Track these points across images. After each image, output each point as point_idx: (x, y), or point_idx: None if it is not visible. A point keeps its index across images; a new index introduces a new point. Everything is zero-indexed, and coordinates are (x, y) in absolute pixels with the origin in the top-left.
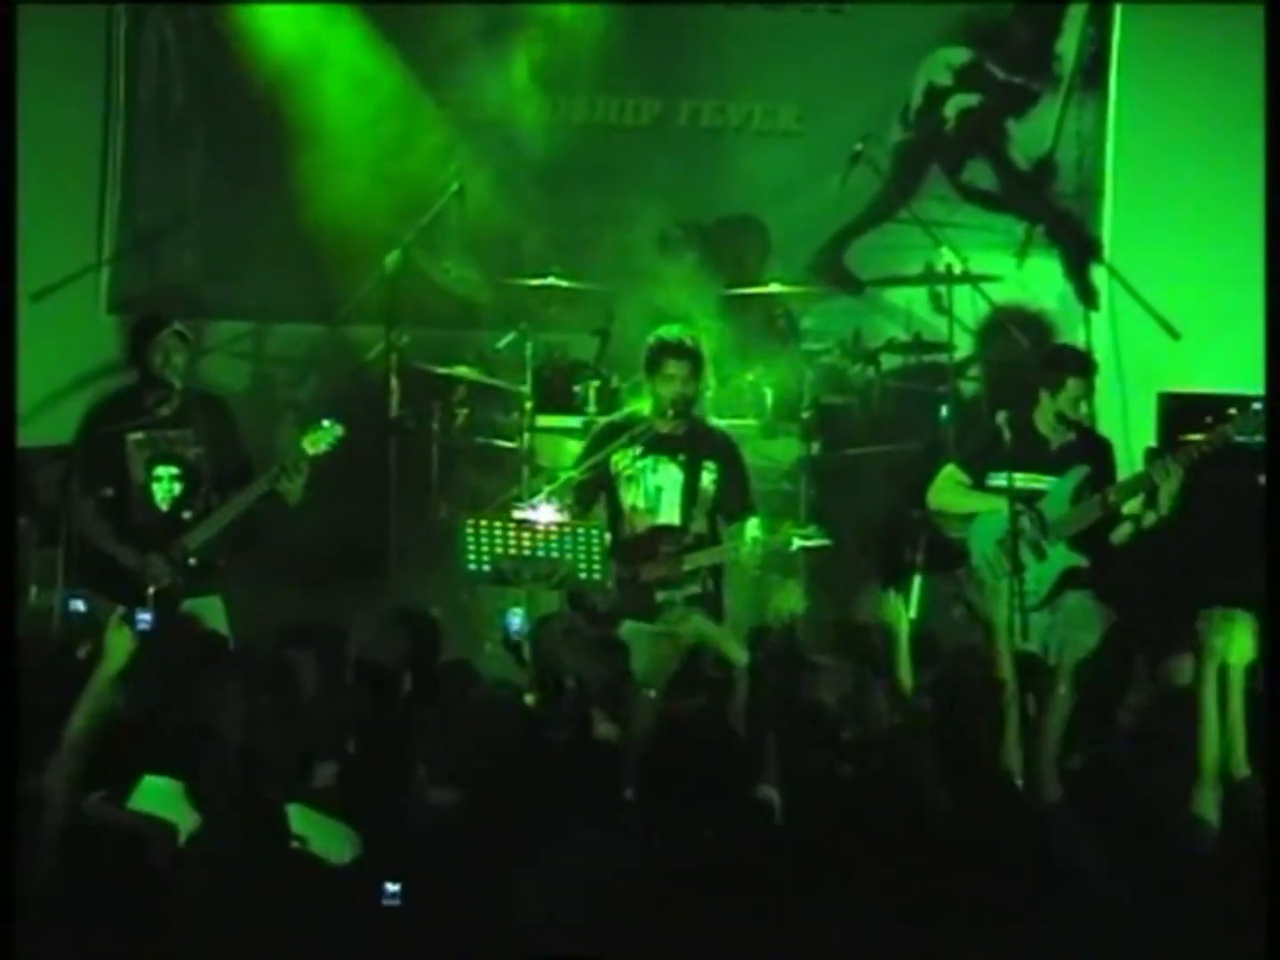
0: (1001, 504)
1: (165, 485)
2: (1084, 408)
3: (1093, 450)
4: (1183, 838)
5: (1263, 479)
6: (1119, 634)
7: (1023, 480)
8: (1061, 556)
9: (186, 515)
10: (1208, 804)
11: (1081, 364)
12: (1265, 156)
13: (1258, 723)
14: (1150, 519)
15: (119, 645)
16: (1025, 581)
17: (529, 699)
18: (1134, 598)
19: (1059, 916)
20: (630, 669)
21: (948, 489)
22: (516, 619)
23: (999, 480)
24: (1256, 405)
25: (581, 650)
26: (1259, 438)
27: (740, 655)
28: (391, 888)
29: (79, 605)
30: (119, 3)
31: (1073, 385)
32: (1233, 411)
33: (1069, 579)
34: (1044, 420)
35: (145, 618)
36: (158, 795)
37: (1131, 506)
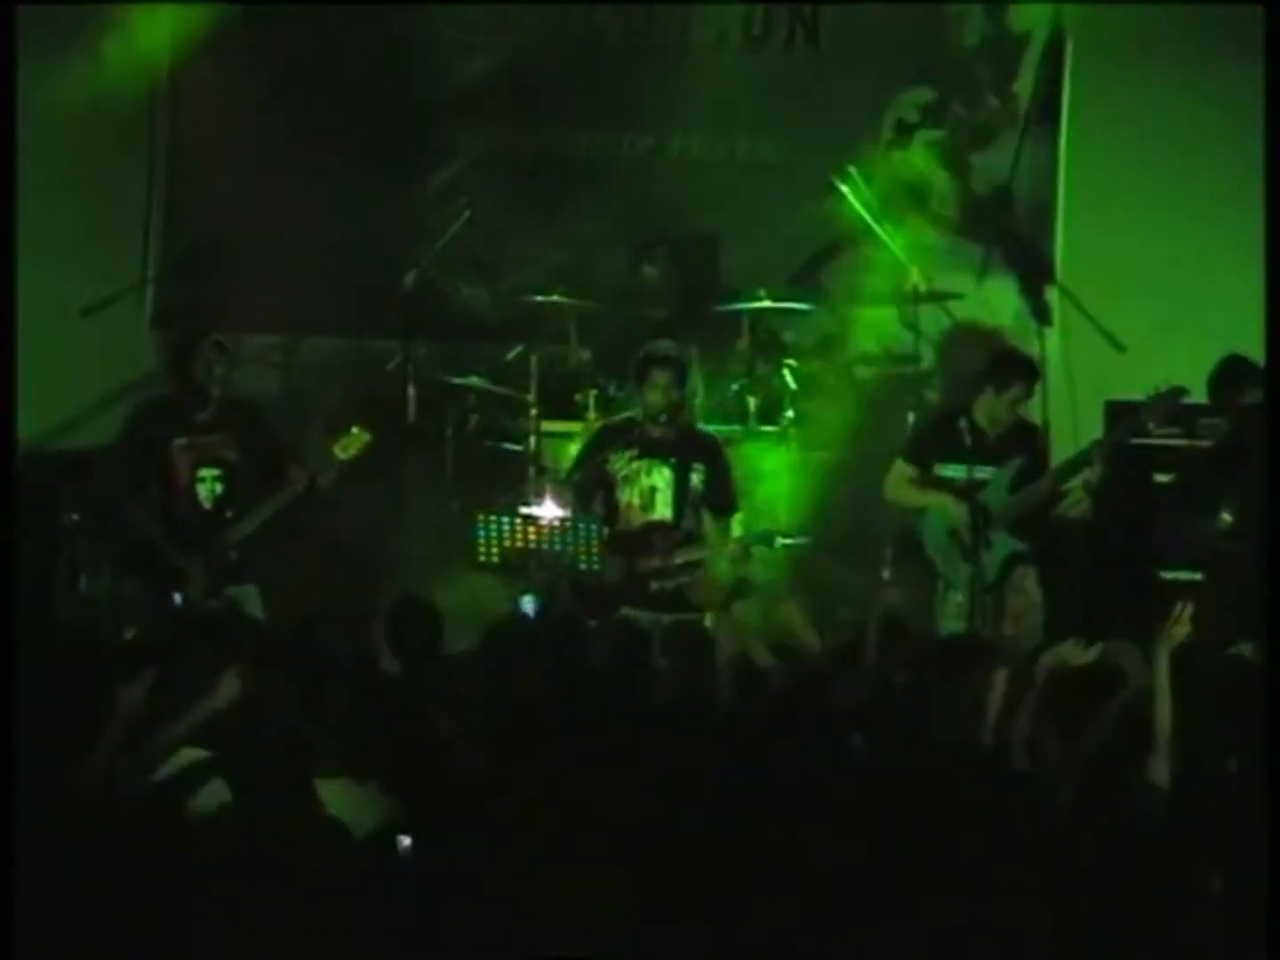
0: (946, 498)
1: (209, 486)
2: (1019, 410)
3: (1025, 442)
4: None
5: (1159, 477)
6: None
7: (965, 472)
8: (1005, 543)
9: (229, 515)
10: (1160, 772)
11: (1028, 371)
12: (1265, 160)
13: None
14: (1081, 502)
15: None
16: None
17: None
18: (1074, 578)
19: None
20: (648, 653)
21: (898, 484)
22: (525, 605)
23: (945, 471)
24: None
25: (603, 635)
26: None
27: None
28: (405, 840)
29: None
30: None
31: (1016, 389)
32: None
33: (1014, 562)
34: (983, 415)
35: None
36: (194, 766)
37: (1074, 492)
